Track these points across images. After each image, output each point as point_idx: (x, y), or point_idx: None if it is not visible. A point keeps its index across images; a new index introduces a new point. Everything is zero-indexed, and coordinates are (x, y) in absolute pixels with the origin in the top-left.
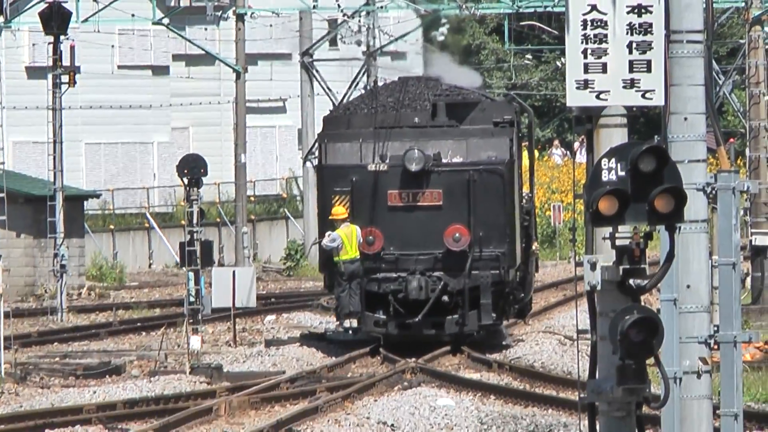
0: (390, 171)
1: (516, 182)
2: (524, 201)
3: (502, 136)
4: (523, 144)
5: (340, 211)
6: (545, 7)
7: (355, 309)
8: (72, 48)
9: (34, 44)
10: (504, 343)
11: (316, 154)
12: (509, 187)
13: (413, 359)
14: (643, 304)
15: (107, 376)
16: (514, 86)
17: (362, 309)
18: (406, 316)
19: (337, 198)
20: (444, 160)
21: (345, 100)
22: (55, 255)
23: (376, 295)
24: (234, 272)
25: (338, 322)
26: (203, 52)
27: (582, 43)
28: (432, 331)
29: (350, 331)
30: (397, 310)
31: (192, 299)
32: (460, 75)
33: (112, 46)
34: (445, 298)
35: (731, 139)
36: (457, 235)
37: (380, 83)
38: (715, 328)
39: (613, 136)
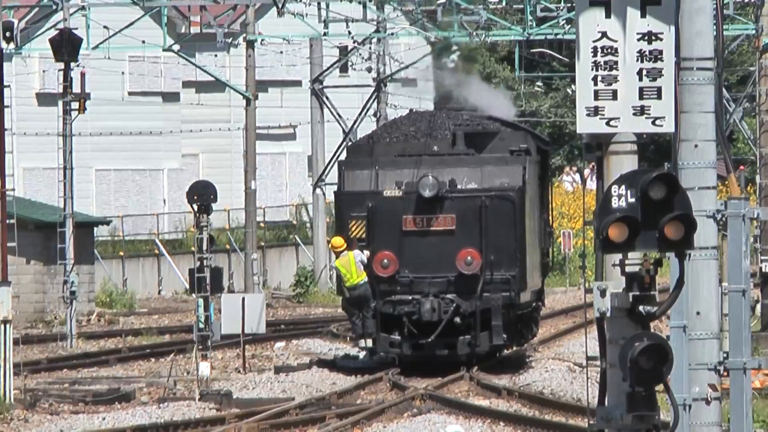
0: (405, 197)
1: (534, 208)
2: (548, 227)
3: (516, 164)
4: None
5: (338, 242)
6: (555, 34)
7: (367, 331)
8: (82, 75)
9: (44, 71)
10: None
11: (326, 180)
12: (520, 213)
13: (423, 386)
14: (652, 330)
15: (116, 403)
16: (524, 113)
17: (377, 330)
18: (419, 337)
19: (354, 223)
20: (459, 187)
21: (355, 127)
22: (65, 281)
23: (391, 316)
24: (243, 299)
25: (353, 344)
26: (213, 79)
27: (592, 69)
28: (445, 352)
29: (364, 351)
30: (411, 331)
31: (201, 326)
32: (495, 103)
33: (123, 72)
34: (458, 319)
35: (741, 167)
36: (469, 258)
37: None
38: (725, 355)
39: (624, 163)
